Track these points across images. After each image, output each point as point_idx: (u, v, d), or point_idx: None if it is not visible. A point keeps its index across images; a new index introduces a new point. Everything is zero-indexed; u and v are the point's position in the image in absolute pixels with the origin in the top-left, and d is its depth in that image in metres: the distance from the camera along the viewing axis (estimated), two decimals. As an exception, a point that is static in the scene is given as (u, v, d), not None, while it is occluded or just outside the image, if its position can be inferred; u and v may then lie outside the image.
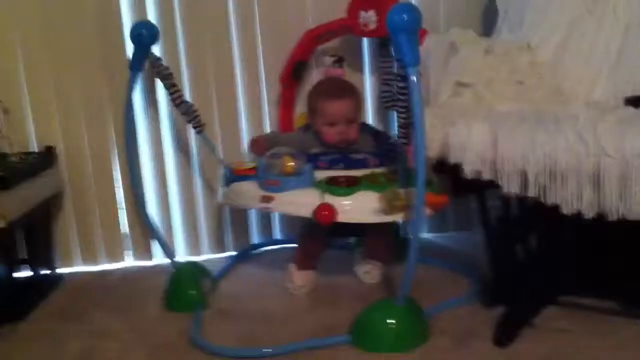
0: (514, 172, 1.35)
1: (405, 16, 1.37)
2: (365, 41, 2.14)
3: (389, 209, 1.61)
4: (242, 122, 2.16)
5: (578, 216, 1.31)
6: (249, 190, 1.76)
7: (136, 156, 2.06)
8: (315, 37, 2.03)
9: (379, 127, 2.11)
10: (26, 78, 2.06)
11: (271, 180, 1.72)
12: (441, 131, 1.44)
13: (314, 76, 2.11)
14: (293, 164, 1.70)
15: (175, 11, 2.07)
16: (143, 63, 1.86)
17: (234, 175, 1.85)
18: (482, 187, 1.51)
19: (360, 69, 2.16)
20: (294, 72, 2.06)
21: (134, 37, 1.83)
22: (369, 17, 1.87)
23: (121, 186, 2.16)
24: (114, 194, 2.17)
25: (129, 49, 1.90)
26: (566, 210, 1.32)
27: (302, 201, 1.66)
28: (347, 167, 1.76)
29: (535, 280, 1.65)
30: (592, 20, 1.68)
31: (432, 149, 1.46)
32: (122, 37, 2.02)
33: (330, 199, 1.64)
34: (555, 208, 1.34)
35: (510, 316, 1.58)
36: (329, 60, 1.95)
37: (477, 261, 1.83)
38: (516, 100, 1.54)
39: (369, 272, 1.90)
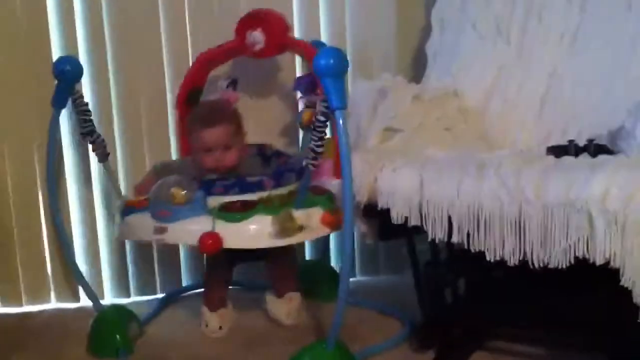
0: (439, 218, 1.36)
1: (331, 60, 1.38)
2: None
3: (283, 231, 1.60)
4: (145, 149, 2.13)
5: (502, 263, 1.33)
6: (142, 223, 1.71)
7: (62, 195, 2.03)
8: (206, 62, 1.99)
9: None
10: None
11: (163, 210, 1.67)
12: (370, 176, 1.45)
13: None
14: (183, 192, 1.66)
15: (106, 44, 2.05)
16: (66, 99, 1.80)
17: (128, 208, 1.79)
18: (410, 232, 1.52)
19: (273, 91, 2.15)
20: (189, 98, 2.00)
21: (58, 73, 1.78)
22: (255, 37, 1.86)
23: (45, 225, 2.10)
24: (38, 233, 2.10)
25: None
26: (490, 257, 1.33)
27: (195, 230, 1.63)
28: (242, 191, 1.71)
29: (464, 324, 1.66)
30: (519, 68, 1.73)
31: (361, 194, 1.46)
32: (50, 73, 1.93)
33: (222, 225, 1.62)
34: (481, 253, 1.35)
35: (440, 360, 1.58)
36: (222, 83, 1.93)
37: (408, 304, 1.83)
38: (444, 146, 1.56)
39: (289, 312, 1.87)
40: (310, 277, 2.01)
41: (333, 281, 2.01)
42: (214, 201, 1.67)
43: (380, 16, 2.14)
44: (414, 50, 2.13)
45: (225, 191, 1.71)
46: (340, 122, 1.38)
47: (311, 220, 1.63)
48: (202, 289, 2.00)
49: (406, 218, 1.41)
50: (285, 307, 1.87)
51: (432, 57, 1.92)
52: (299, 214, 1.62)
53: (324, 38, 2.11)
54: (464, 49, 1.85)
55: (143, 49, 2.07)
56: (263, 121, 2.04)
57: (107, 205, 2.13)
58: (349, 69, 1.42)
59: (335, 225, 1.65)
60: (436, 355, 1.60)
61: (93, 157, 2.05)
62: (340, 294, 1.49)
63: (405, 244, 2.01)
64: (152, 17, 2.06)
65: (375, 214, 1.51)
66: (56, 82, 1.79)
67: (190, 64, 2.05)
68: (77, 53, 2.02)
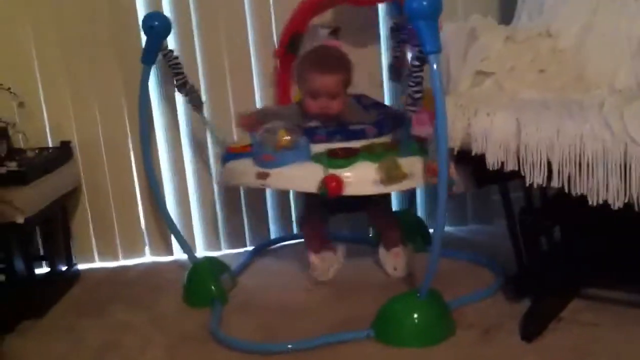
0: (538, 162, 1.32)
1: (425, 2, 1.34)
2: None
3: (388, 178, 1.58)
4: (257, 98, 2.13)
5: (604, 206, 1.28)
6: (244, 168, 1.71)
7: (152, 151, 2.06)
8: (309, 8, 1.96)
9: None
10: (40, 72, 2.05)
11: (266, 155, 1.67)
12: (463, 121, 1.41)
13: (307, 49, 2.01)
14: (289, 137, 1.64)
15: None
16: (155, 56, 1.83)
17: (230, 154, 1.80)
18: (505, 178, 1.48)
19: (373, 40, 2.11)
20: (289, 45, 1.98)
21: (146, 29, 1.80)
22: None
23: (137, 181, 2.15)
24: (131, 190, 2.16)
25: (144, 41, 1.87)
26: (592, 200, 1.28)
27: (302, 175, 1.62)
28: (345, 139, 1.71)
29: (560, 273, 1.62)
30: (614, 7, 1.63)
31: (454, 140, 1.43)
32: (137, 29, 1.98)
33: (330, 171, 1.60)
34: (581, 198, 1.30)
35: (537, 310, 1.56)
36: (324, 32, 1.91)
37: (500, 254, 1.81)
38: (538, 88, 1.50)
39: (396, 267, 1.87)
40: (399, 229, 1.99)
41: (421, 231, 2.06)
42: (317, 148, 1.67)
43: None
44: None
45: (328, 138, 1.71)
46: (435, 66, 1.34)
47: (415, 167, 1.60)
48: (290, 241, 2.04)
49: (502, 163, 1.37)
50: (392, 261, 1.87)
51: (521, -2, 1.84)
52: (403, 161, 1.59)
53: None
54: (556, -14, 1.75)
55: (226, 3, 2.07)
56: (361, 73, 1.96)
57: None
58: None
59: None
60: (532, 304, 1.58)
61: (180, 114, 2.12)
62: (434, 242, 1.48)
63: (493, 193, 2.02)
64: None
65: (468, 160, 1.47)
66: (145, 38, 1.82)
67: (272, 15, 2.05)
68: (161, 9, 2.03)
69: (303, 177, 1.62)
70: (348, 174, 1.60)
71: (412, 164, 1.60)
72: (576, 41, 1.64)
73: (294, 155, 1.65)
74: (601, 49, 1.60)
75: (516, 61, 1.55)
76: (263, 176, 1.66)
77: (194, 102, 1.92)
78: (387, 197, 1.86)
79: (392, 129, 1.73)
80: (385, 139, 1.70)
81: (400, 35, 1.91)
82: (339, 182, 1.58)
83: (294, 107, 1.87)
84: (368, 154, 1.62)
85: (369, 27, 2.10)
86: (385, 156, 1.60)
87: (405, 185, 1.62)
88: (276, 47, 2.04)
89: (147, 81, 1.86)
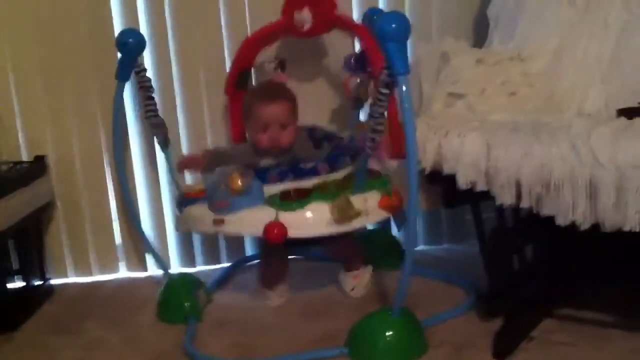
0: (508, 183, 1.34)
1: (393, 25, 1.36)
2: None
3: (342, 218, 1.60)
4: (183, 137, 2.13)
5: (573, 227, 1.30)
6: (201, 214, 1.72)
7: (127, 167, 2.05)
8: (254, 43, 1.97)
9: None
10: (16, 85, 2.05)
11: (220, 201, 1.67)
12: (434, 141, 1.43)
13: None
14: (241, 182, 1.64)
15: (166, 18, 2.06)
16: (129, 72, 1.83)
17: (185, 199, 1.80)
18: (476, 198, 1.50)
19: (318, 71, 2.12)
20: (238, 82, 1.99)
21: (120, 45, 1.80)
22: (303, 17, 1.83)
23: (113, 197, 2.14)
24: (106, 205, 2.15)
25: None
26: (561, 221, 1.30)
27: (255, 220, 1.63)
28: (297, 178, 1.71)
29: (532, 292, 1.64)
30: (584, 29, 1.67)
31: (426, 160, 1.45)
32: (114, 46, 1.94)
33: (283, 214, 1.61)
34: (550, 219, 1.33)
35: (508, 329, 1.57)
36: (269, 66, 1.92)
37: (473, 273, 1.82)
38: (509, 111, 1.53)
39: (354, 287, 1.87)
40: (371, 245, 2.01)
41: (395, 250, 2.05)
42: (270, 190, 1.67)
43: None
44: (474, 14, 2.08)
45: (281, 179, 1.71)
46: (404, 87, 1.36)
47: (369, 204, 1.62)
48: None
49: (473, 183, 1.39)
50: (350, 282, 1.88)
51: (494, 21, 1.88)
52: (356, 199, 1.61)
53: (381, 3, 2.07)
54: (527, 11, 1.79)
55: (203, 21, 2.07)
56: (312, 103, 2.00)
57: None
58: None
59: (393, 209, 1.65)
60: (503, 323, 1.59)
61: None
62: (406, 261, 1.49)
63: (467, 212, 2.03)
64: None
65: (439, 181, 1.49)
66: (120, 54, 1.82)
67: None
68: (137, 26, 2.03)
69: (256, 221, 1.62)
70: (302, 215, 1.61)
71: (365, 201, 1.62)
72: (547, 65, 1.68)
73: (247, 199, 1.65)
74: (571, 73, 1.64)
75: (487, 84, 1.59)
76: (219, 223, 1.67)
77: (160, 140, 1.92)
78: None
79: (345, 164, 1.74)
80: (338, 175, 1.71)
81: (350, 65, 1.91)
82: (280, 229, 1.59)
83: (246, 146, 1.87)
84: (321, 193, 1.63)
85: (320, 57, 2.10)
86: (338, 195, 1.61)
87: (359, 223, 1.64)
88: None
89: (122, 97, 1.87)
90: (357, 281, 1.87)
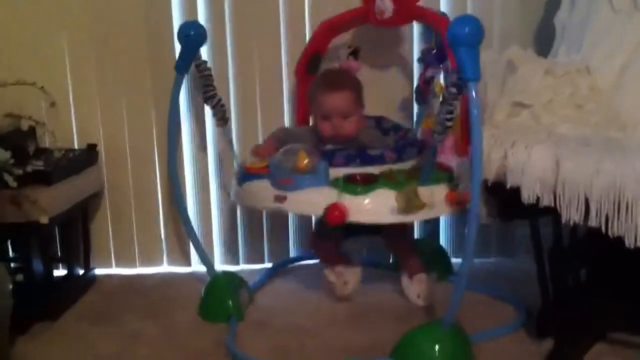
0: (577, 199, 1.28)
1: (466, 29, 1.33)
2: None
3: (408, 208, 1.55)
4: (259, 118, 2.11)
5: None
6: (262, 190, 1.69)
7: (178, 161, 2.05)
8: (329, 28, 1.94)
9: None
10: (71, 74, 2.06)
11: (284, 178, 1.64)
12: (499, 152, 1.38)
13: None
14: (308, 161, 1.62)
15: (225, 11, 2.04)
16: (189, 65, 1.83)
17: (247, 174, 1.77)
18: (536, 214, 1.45)
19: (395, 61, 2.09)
20: (309, 65, 1.97)
21: (182, 38, 1.80)
22: (384, 4, 1.81)
23: (160, 190, 2.14)
24: (154, 198, 2.14)
25: (177, 48, 1.87)
26: (629, 242, 1.25)
27: (317, 201, 1.59)
28: (363, 164, 1.67)
29: (585, 313, 1.57)
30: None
31: (489, 171, 1.40)
32: (171, 37, 1.98)
33: (346, 198, 1.57)
34: (614, 239, 1.27)
35: (560, 351, 1.51)
36: (343, 52, 1.91)
37: (523, 290, 1.77)
38: (575, 124, 1.48)
39: (419, 294, 1.82)
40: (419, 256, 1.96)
41: (443, 260, 2.02)
42: (335, 172, 1.64)
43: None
44: (537, 23, 2.04)
45: (346, 163, 1.67)
46: (473, 94, 1.32)
47: (435, 197, 1.58)
48: (309, 261, 2.00)
49: (538, 198, 1.34)
50: (415, 288, 1.83)
51: (560, 31, 1.82)
52: (423, 191, 1.56)
53: (443, 7, 2.03)
54: (596, 23, 1.73)
55: (261, 16, 2.05)
56: (381, 93, 1.99)
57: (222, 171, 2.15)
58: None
59: (458, 205, 1.59)
60: (555, 346, 1.53)
61: (208, 124, 2.11)
62: (461, 274, 1.45)
63: (519, 227, 1.99)
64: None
65: (500, 193, 1.44)
66: (180, 46, 1.82)
67: (307, 30, 2.03)
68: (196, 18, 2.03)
69: (318, 202, 1.59)
70: (366, 200, 1.58)
71: (432, 194, 1.57)
72: (614, 80, 1.61)
73: (312, 179, 1.62)
74: (638, 89, 1.57)
75: (554, 95, 1.53)
76: (280, 199, 1.64)
77: (219, 117, 1.90)
78: (407, 224, 1.83)
79: (412, 155, 1.70)
80: (404, 165, 1.67)
81: (427, 58, 1.89)
82: (341, 211, 1.55)
83: (309, 130, 1.86)
84: (387, 181, 1.60)
85: (393, 47, 2.07)
86: (406, 184, 1.57)
87: (423, 215, 1.60)
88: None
89: (179, 89, 1.86)
90: (423, 287, 1.83)
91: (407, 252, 1.86)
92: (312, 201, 1.61)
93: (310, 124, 1.95)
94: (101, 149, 2.07)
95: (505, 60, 1.60)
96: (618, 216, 1.24)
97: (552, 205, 1.32)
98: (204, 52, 1.92)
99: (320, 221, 1.84)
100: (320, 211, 1.58)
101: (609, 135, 1.43)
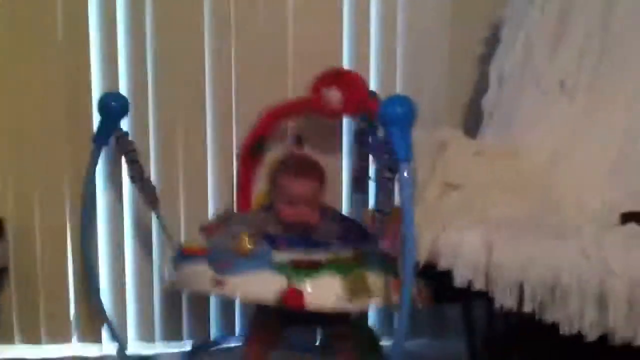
0: (510, 285, 1.24)
1: (399, 109, 1.31)
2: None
3: (354, 294, 1.48)
4: (210, 200, 2.04)
5: (577, 337, 1.20)
6: (199, 273, 1.59)
7: (92, 235, 1.95)
8: (275, 115, 1.92)
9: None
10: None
11: (223, 261, 1.56)
12: (430, 235, 1.34)
13: (272, 156, 1.96)
14: (249, 243, 1.55)
15: (148, 81, 1.98)
16: (109, 137, 1.75)
17: (184, 256, 1.69)
18: (470, 297, 1.41)
19: (336, 150, 2.06)
20: (255, 148, 1.93)
21: (102, 108, 1.72)
22: (332, 95, 1.79)
23: (72, 266, 2.01)
24: (65, 274, 2.01)
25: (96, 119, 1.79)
26: (566, 329, 1.20)
27: (261, 285, 1.50)
28: (308, 249, 1.60)
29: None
30: (587, 127, 1.63)
31: (420, 253, 1.35)
32: (90, 107, 1.89)
33: (295, 282, 1.49)
34: (549, 327, 1.22)
35: None
36: (288, 139, 1.88)
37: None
38: (507, 207, 1.45)
39: None
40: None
41: (371, 342, 1.92)
42: (278, 256, 1.56)
43: (431, 68, 2.06)
44: (465, 105, 2.05)
45: (289, 247, 1.60)
46: (405, 174, 1.29)
47: (380, 285, 1.51)
48: (233, 344, 1.89)
49: (469, 282, 1.30)
50: None
51: (488, 113, 1.82)
52: (371, 277, 1.51)
53: (371, 87, 2.01)
54: (526, 106, 1.74)
55: (186, 94, 2.00)
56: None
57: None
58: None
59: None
60: None
61: (125, 197, 2.02)
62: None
63: (450, 307, 1.94)
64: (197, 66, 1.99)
65: (431, 276, 1.39)
66: (100, 118, 1.74)
67: (234, 110, 2.00)
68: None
69: (263, 287, 1.49)
70: (311, 286, 1.49)
71: (377, 281, 1.51)
72: (545, 162, 1.62)
73: (254, 263, 1.53)
74: (572, 172, 1.58)
75: (483, 177, 1.51)
76: (220, 284, 1.54)
77: (149, 199, 1.82)
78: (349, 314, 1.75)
79: (358, 243, 1.64)
80: (350, 253, 1.60)
81: (365, 140, 1.86)
82: (299, 295, 1.47)
83: (259, 213, 1.79)
84: (334, 265, 1.53)
85: (331, 137, 2.04)
86: (352, 270, 1.52)
87: (371, 303, 1.53)
88: (237, 149, 1.99)
89: (96, 163, 1.78)
90: None
91: (349, 340, 1.76)
92: (254, 286, 1.52)
93: (257, 208, 1.89)
94: (9, 223, 1.94)
95: (436, 140, 1.58)
96: (553, 302, 1.21)
97: (485, 289, 1.28)
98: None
99: (259, 313, 1.76)
100: (269, 297, 1.48)
101: (542, 219, 1.41)
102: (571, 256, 1.20)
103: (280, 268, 1.52)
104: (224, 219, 1.77)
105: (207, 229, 1.75)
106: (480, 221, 1.36)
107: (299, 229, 1.68)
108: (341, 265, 1.53)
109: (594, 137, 1.61)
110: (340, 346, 1.76)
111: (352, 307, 1.52)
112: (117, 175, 1.97)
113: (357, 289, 1.48)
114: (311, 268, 1.51)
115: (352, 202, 2.02)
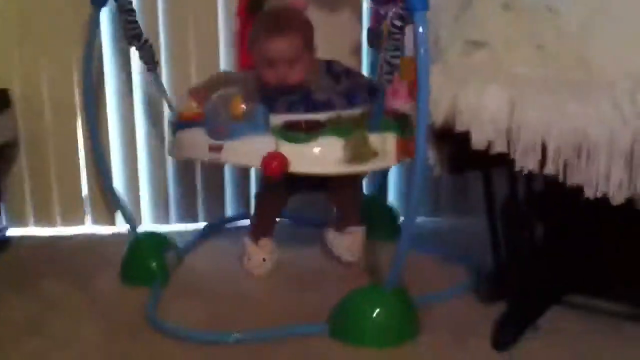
0: (533, 145, 1.15)
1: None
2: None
3: (355, 157, 1.42)
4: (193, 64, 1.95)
5: (602, 201, 1.12)
6: (196, 139, 1.54)
7: (101, 110, 1.90)
8: None
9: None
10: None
11: (219, 126, 1.49)
12: (449, 93, 1.24)
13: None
14: (243, 106, 1.47)
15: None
16: (107, -2, 1.65)
17: (180, 122, 1.62)
18: (489, 164, 1.32)
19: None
20: (251, 4, 1.78)
21: None
22: None
23: (82, 140, 1.97)
24: (75, 150, 1.97)
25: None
26: (590, 192, 1.13)
27: (254, 150, 1.44)
28: (308, 110, 1.52)
29: (540, 275, 1.46)
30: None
31: (437, 114, 1.25)
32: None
33: (286, 146, 1.43)
34: (572, 193, 1.15)
35: (512, 315, 1.40)
36: None
37: (475, 250, 1.65)
38: (537, 65, 1.33)
39: (349, 247, 1.70)
40: (364, 214, 1.80)
41: (390, 219, 1.91)
42: (276, 119, 1.48)
43: None
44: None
45: (289, 109, 1.52)
46: (420, 27, 1.17)
47: (387, 145, 1.44)
48: (249, 219, 1.85)
49: (490, 143, 1.20)
50: (345, 242, 1.70)
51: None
52: (373, 138, 1.43)
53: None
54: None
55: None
56: (329, 36, 1.80)
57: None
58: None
59: (410, 155, 1.43)
60: (506, 309, 1.42)
61: (134, 69, 1.94)
62: (404, 233, 1.32)
63: (472, 185, 1.87)
64: None
65: (449, 140, 1.31)
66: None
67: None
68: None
69: (256, 152, 1.43)
70: (309, 149, 1.43)
71: (383, 142, 1.43)
72: (582, 21, 1.46)
73: (249, 127, 1.46)
74: (609, 33, 1.43)
75: (513, 32, 1.38)
76: (216, 150, 1.49)
77: (147, 60, 1.72)
78: (359, 176, 1.71)
79: (365, 101, 1.54)
80: (355, 112, 1.51)
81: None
82: (280, 161, 1.40)
83: (250, 75, 1.67)
84: (334, 128, 1.45)
85: None
86: (354, 131, 1.43)
87: (374, 165, 1.47)
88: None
89: (97, 27, 1.70)
90: (353, 240, 1.70)
91: (351, 206, 1.72)
92: (249, 151, 1.46)
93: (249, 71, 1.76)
94: (14, 94, 1.88)
95: (460, -7, 1.44)
96: (578, 163, 1.12)
97: (506, 151, 1.19)
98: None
99: (264, 179, 1.70)
100: (257, 162, 1.43)
101: (573, 77, 1.29)
102: (602, 110, 1.10)
103: (277, 131, 1.45)
104: (215, 82, 1.67)
105: (195, 92, 1.67)
106: (504, 78, 1.25)
107: (284, 90, 1.57)
108: (342, 127, 1.45)
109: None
110: (347, 214, 1.72)
111: (354, 169, 1.47)
112: (126, 47, 1.87)
113: (359, 151, 1.41)
114: (310, 130, 1.44)
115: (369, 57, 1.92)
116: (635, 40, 1.39)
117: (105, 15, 1.83)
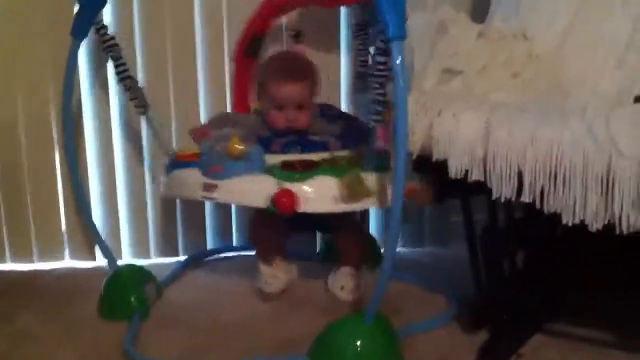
0: (507, 172, 1.15)
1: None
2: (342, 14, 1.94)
3: (351, 195, 1.42)
4: (201, 104, 1.95)
5: (579, 228, 1.11)
6: (190, 178, 1.55)
7: (79, 142, 1.90)
8: (274, 8, 1.80)
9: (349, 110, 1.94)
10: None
11: (215, 165, 1.50)
12: (425, 121, 1.24)
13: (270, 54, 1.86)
14: (241, 146, 1.47)
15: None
16: (87, 29, 1.65)
17: (176, 162, 1.63)
18: (467, 191, 1.32)
19: (334, 46, 1.95)
20: (248, 49, 1.83)
21: None
22: None
23: (60, 172, 1.95)
24: (54, 184, 1.95)
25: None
26: (567, 219, 1.11)
27: (253, 189, 1.45)
28: (304, 151, 1.54)
29: (522, 303, 1.46)
30: (597, 8, 1.50)
31: (413, 142, 1.25)
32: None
33: (287, 185, 1.43)
34: (551, 221, 1.14)
35: (495, 343, 1.39)
36: (286, 36, 1.78)
37: (457, 280, 1.63)
38: (512, 92, 1.35)
39: (343, 286, 1.68)
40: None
41: (373, 250, 1.89)
42: (272, 159, 1.50)
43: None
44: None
45: (283, 150, 1.55)
46: (398, 55, 1.17)
47: (380, 185, 1.44)
48: (230, 253, 1.85)
49: (466, 172, 1.20)
50: (339, 280, 1.69)
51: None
52: (368, 177, 1.43)
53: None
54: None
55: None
56: (324, 80, 1.80)
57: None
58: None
59: (409, 195, 1.43)
60: (489, 337, 1.41)
61: (113, 102, 1.94)
62: (385, 262, 1.30)
63: (454, 214, 1.87)
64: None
65: (428, 169, 1.30)
66: (77, 7, 1.64)
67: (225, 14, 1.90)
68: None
69: (253, 191, 1.44)
70: (306, 188, 1.43)
71: (377, 181, 1.44)
72: (554, 46, 1.50)
73: (244, 166, 1.47)
74: (582, 55, 1.46)
75: (488, 61, 1.40)
76: (210, 188, 1.49)
77: (138, 103, 1.74)
78: (354, 217, 1.72)
79: (358, 142, 1.56)
80: (349, 153, 1.54)
81: (364, 35, 1.77)
82: (291, 198, 1.40)
83: (253, 117, 1.71)
84: (329, 167, 1.46)
85: (330, 31, 1.94)
86: (349, 170, 1.44)
87: (369, 203, 1.46)
88: (233, 49, 1.89)
89: (76, 58, 1.68)
90: (346, 279, 1.68)
91: (350, 246, 1.72)
92: (247, 190, 1.47)
93: (251, 111, 1.82)
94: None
95: (436, 22, 1.46)
96: (555, 189, 1.11)
97: (483, 179, 1.18)
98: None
99: (259, 217, 1.71)
100: (259, 200, 1.44)
101: (549, 103, 1.30)
102: (575, 135, 1.09)
103: (272, 170, 1.46)
104: (217, 122, 1.70)
105: (197, 132, 1.68)
106: (480, 105, 1.25)
107: (291, 134, 1.61)
108: (336, 166, 1.47)
109: (605, 17, 1.48)
110: (347, 251, 1.72)
111: (349, 208, 1.46)
112: (104, 76, 1.89)
113: (355, 190, 1.42)
114: (305, 170, 1.45)
115: (355, 102, 1.94)
116: (604, 63, 1.42)
117: (84, 48, 1.83)
